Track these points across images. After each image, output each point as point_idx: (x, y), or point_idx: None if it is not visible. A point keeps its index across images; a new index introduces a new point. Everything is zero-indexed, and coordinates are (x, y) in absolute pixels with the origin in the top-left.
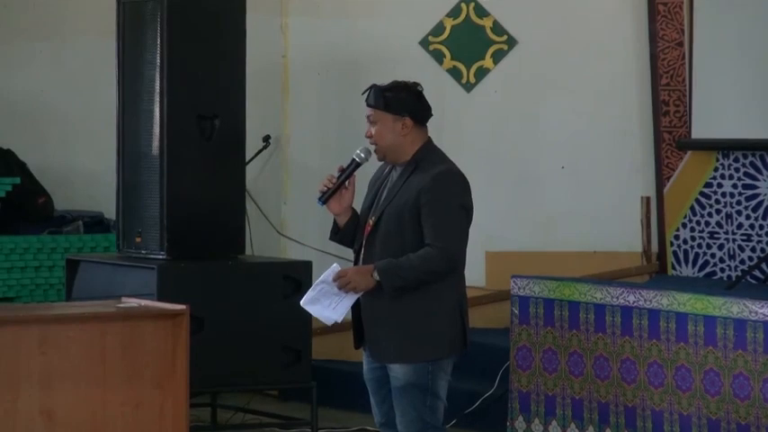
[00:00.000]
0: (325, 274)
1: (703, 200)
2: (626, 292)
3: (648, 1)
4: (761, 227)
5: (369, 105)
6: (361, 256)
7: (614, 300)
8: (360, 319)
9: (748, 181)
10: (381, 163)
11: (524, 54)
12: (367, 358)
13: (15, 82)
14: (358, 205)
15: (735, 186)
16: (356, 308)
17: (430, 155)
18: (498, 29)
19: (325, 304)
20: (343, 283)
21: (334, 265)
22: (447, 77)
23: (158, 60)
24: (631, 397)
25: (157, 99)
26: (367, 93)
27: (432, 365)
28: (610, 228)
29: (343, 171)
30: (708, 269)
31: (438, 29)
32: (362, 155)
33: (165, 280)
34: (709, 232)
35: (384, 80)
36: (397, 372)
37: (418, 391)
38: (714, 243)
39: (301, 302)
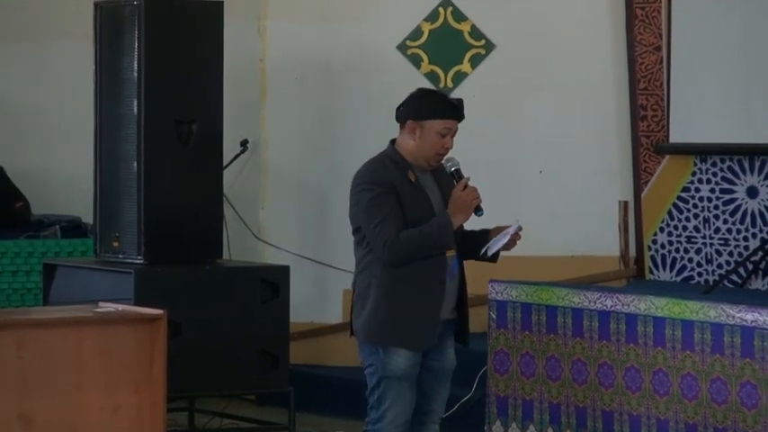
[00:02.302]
0: (516, 227)
1: (681, 204)
2: (603, 296)
3: (626, 5)
4: (738, 231)
5: (460, 120)
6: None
7: (592, 304)
8: (435, 319)
9: (726, 185)
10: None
11: (502, 58)
12: (412, 352)
13: None
14: None
15: (712, 191)
16: (431, 308)
17: None
18: (476, 33)
19: (497, 243)
20: (518, 237)
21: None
22: (425, 82)
23: (135, 65)
24: (609, 401)
25: (135, 103)
26: (459, 108)
27: None
28: (588, 232)
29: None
30: (685, 273)
31: (416, 33)
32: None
33: (142, 284)
34: (686, 237)
35: (361, 84)
36: (452, 355)
37: None
38: (692, 247)
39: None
